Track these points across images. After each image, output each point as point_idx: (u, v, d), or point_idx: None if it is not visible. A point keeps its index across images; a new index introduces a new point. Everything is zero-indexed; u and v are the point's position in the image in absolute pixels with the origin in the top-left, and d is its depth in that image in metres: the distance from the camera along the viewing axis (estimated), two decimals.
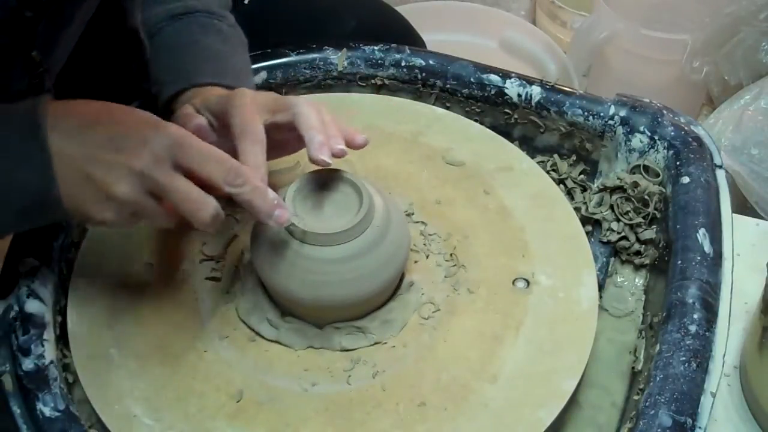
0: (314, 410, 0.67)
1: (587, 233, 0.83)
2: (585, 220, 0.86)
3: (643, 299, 0.83)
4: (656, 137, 0.85)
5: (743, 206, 1.21)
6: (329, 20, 1.05)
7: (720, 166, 0.84)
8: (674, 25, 1.57)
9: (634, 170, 0.86)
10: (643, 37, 1.48)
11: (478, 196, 0.83)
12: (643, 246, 0.84)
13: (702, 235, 0.76)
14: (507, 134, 0.92)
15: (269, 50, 0.95)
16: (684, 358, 0.67)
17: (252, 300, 0.73)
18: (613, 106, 0.87)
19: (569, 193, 0.90)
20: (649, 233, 0.84)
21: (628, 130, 0.86)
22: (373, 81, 0.95)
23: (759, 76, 1.39)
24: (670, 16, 1.60)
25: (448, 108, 0.94)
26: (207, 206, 0.62)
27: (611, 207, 0.86)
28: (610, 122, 0.87)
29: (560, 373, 0.69)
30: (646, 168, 0.85)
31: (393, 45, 0.95)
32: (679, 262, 0.75)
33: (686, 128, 0.86)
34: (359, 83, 0.96)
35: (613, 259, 0.86)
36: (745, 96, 1.34)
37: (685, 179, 0.81)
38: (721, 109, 1.36)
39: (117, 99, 0.67)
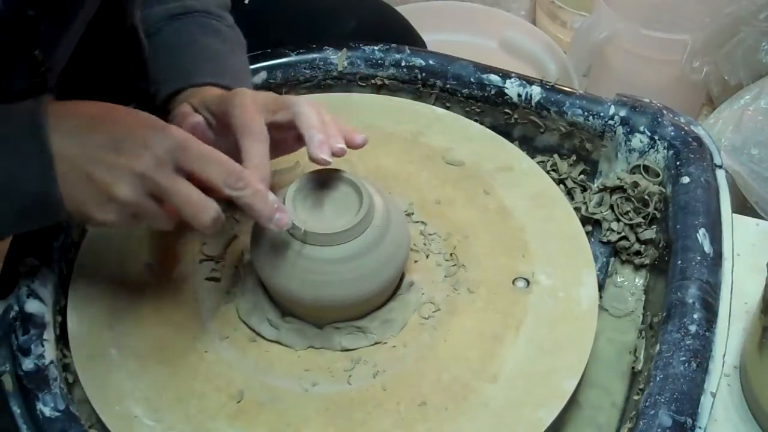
0: (315, 410, 0.67)
1: (587, 233, 0.83)
2: (585, 220, 0.86)
3: (643, 299, 0.83)
4: (656, 137, 0.85)
5: (743, 206, 1.21)
6: (329, 20, 1.05)
7: (720, 166, 0.84)
8: (674, 25, 1.57)
9: (634, 170, 0.86)
10: (643, 37, 1.48)
11: (478, 196, 0.83)
12: (643, 246, 0.84)
13: (702, 235, 0.76)
14: (507, 134, 0.92)
15: (269, 50, 0.95)
16: (684, 358, 0.67)
17: (252, 300, 0.73)
18: (613, 106, 0.87)
19: (569, 193, 0.91)
20: (649, 233, 0.84)
21: (628, 130, 0.86)
22: (373, 81, 0.95)
23: (759, 76, 1.39)
24: (670, 16, 1.60)
25: (448, 108, 0.94)
26: (207, 209, 0.62)
27: (611, 207, 0.86)
28: (610, 122, 0.87)
29: (560, 372, 0.69)
30: (646, 168, 0.85)
31: (393, 45, 0.95)
32: (679, 262, 0.75)
33: (686, 128, 0.86)
34: (359, 83, 0.96)
35: (613, 259, 0.86)
36: (745, 96, 1.34)
37: (685, 179, 0.81)
38: (721, 109, 1.36)
39: (115, 99, 0.67)
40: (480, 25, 1.73)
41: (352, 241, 0.68)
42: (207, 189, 0.63)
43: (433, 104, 0.94)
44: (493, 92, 0.91)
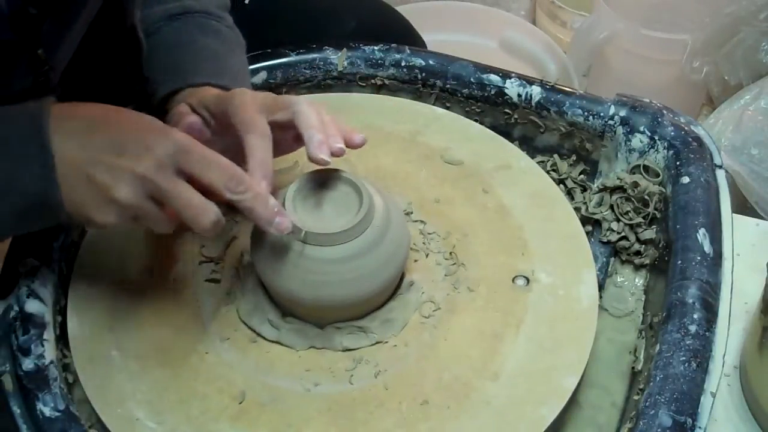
0: (317, 410, 0.67)
1: (587, 233, 0.83)
2: (585, 220, 0.86)
3: (643, 299, 0.83)
4: (656, 137, 0.85)
5: (743, 206, 1.21)
6: (329, 20, 1.05)
7: (720, 166, 0.84)
8: (674, 25, 1.57)
9: (634, 170, 0.86)
10: (643, 37, 1.48)
11: (476, 195, 0.83)
12: (643, 246, 0.84)
13: (702, 235, 0.76)
14: (507, 134, 0.92)
15: (269, 50, 0.95)
16: (684, 358, 0.67)
17: (253, 301, 0.73)
18: (613, 106, 0.87)
19: (569, 193, 0.91)
20: (649, 233, 0.84)
21: (628, 130, 0.86)
22: (373, 81, 0.95)
23: (759, 76, 1.39)
24: (670, 16, 1.60)
25: (448, 108, 0.94)
26: (208, 212, 0.62)
27: (611, 207, 0.86)
28: (610, 122, 0.87)
29: (561, 370, 0.69)
30: (646, 168, 0.85)
31: (393, 45, 0.95)
32: (679, 262, 0.75)
33: (686, 128, 0.86)
34: (359, 83, 0.96)
35: (613, 259, 0.86)
36: (745, 96, 1.34)
37: (685, 179, 0.81)
38: (721, 109, 1.36)
39: (115, 98, 0.67)
40: (480, 25, 1.73)
41: (352, 241, 0.68)
42: (207, 192, 0.63)
43: (433, 104, 0.94)
44: (493, 92, 0.91)
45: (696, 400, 0.65)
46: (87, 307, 0.73)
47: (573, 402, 0.71)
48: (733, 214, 0.80)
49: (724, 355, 0.69)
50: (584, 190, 0.90)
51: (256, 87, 0.91)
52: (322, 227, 0.68)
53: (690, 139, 0.85)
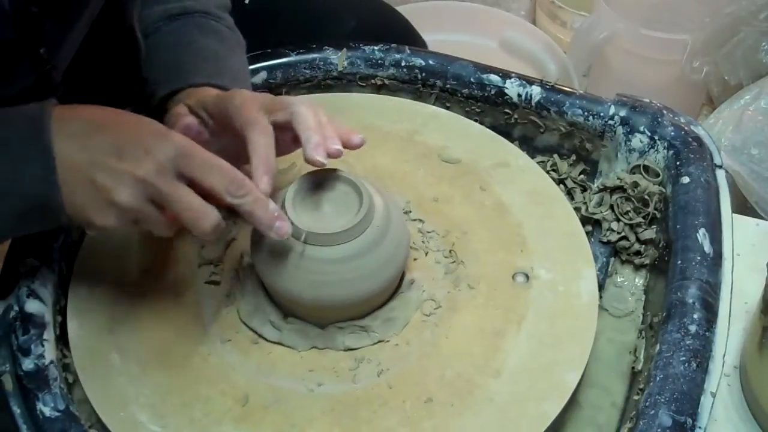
0: (321, 410, 0.67)
1: (587, 233, 0.83)
2: (585, 220, 0.86)
3: (643, 299, 0.83)
4: (656, 137, 0.85)
5: (743, 206, 1.21)
6: (329, 20, 1.05)
7: (720, 166, 0.84)
8: (674, 25, 1.57)
9: (634, 170, 0.86)
10: (643, 37, 1.48)
11: (474, 193, 0.83)
12: (643, 246, 0.84)
13: (702, 235, 0.76)
14: (507, 134, 0.92)
15: (269, 50, 0.95)
16: (684, 358, 0.67)
17: (253, 302, 0.73)
18: (613, 106, 0.87)
19: (569, 193, 0.91)
20: (649, 233, 0.84)
21: (628, 130, 0.86)
22: (373, 81, 0.95)
23: (759, 76, 1.39)
24: (670, 16, 1.60)
25: (448, 108, 0.94)
26: (208, 216, 0.62)
27: (611, 207, 0.86)
28: (610, 122, 0.87)
29: (563, 365, 0.70)
30: (646, 168, 0.85)
31: (393, 45, 0.95)
32: (679, 262, 0.75)
33: (686, 128, 0.86)
34: (359, 83, 0.96)
35: (613, 259, 0.86)
36: (745, 96, 1.34)
37: (685, 179, 0.81)
38: (721, 109, 1.36)
39: (115, 98, 0.67)
40: (480, 25, 1.73)
41: (352, 241, 0.68)
42: (207, 196, 0.63)
43: (433, 104, 0.94)
44: (493, 92, 0.91)
45: (696, 400, 0.65)
46: (87, 308, 0.73)
47: (573, 402, 0.71)
48: (733, 214, 0.80)
49: (724, 355, 0.69)
50: (584, 190, 0.90)
51: (256, 87, 0.91)
52: (322, 227, 0.67)
53: (690, 139, 0.85)
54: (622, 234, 0.85)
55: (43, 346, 0.69)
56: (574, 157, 0.92)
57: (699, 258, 0.74)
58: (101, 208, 0.62)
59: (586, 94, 0.90)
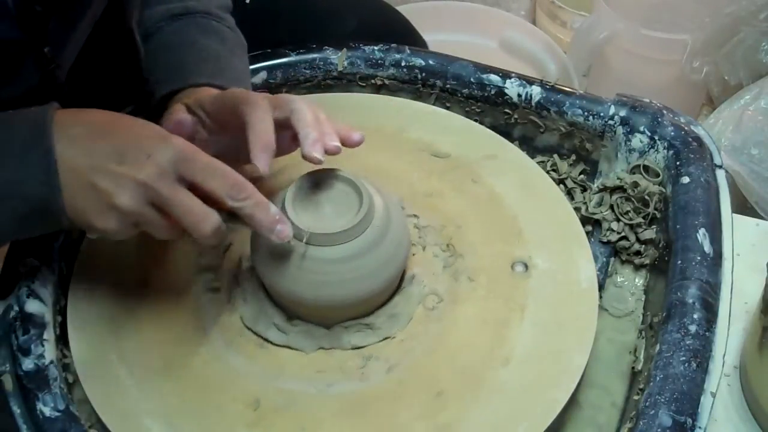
0: (333, 410, 0.67)
1: (587, 233, 0.83)
2: (585, 220, 0.86)
3: (643, 299, 0.83)
4: (656, 137, 0.85)
5: (743, 206, 1.21)
6: (330, 20, 1.05)
7: (720, 166, 0.84)
8: (674, 25, 1.57)
9: (634, 170, 0.86)
10: (643, 37, 1.48)
11: (466, 185, 0.83)
12: (643, 246, 0.84)
13: (702, 235, 0.76)
14: (507, 134, 0.92)
15: (269, 50, 0.95)
16: (684, 358, 0.67)
17: (256, 306, 0.73)
18: (613, 106, 0.87)
19: (569, 193, 0.91)
20: (649, 233, 0.84)
21: (628, 130, 0.86)
22: (373, 81, 0.95)
23: (759, 76, 1.39)
24: (670, 16, 1.60)
25: (448, 108, 0.94)
26: (209, 219, 0.62)
27: (611, 207, 0.86)
28: (610, 122, 0.87)
29: (569, 350, 0.70)
30: (646, 168, 0.85)
31: (393, 45, 0.95)
32: (679, 262, 0.75)
33: (686, 128, 0.86)
34: (359, 83, 0.96)
35: (613, 259, 0.86)
36: (745, 96, 1.34)
37: (685, 179, 0.81)
38: (721, 109, 1.36)
39: (115, 99, 0.67)
40: (480, 25, 1.72)
41: (352, 241, 0.68)
42: (208, 199, 0.63)
43: (433, 104, 0.94)
44: (493, 92, 0.91)
45: (696, 400, 0.65)
46: (87, 308, 0.73)
47: (573, 402, 0.71)
48: (733, 214, 0.80)
49: (724, 355, 0.69)
50: (584, 190, 0.90)
51: (256, 87, 0.91)
52: (322, 227, 0.67)
53: (690, 139, 0.84)
54: (622, 234, 0.85)
55: (43, 346, 0.69)
56: (574, 157, 0.92)
57: (699, 258, 0.74)
58: (102, 212, 0.62)
59: (586, 94, 0.90)
